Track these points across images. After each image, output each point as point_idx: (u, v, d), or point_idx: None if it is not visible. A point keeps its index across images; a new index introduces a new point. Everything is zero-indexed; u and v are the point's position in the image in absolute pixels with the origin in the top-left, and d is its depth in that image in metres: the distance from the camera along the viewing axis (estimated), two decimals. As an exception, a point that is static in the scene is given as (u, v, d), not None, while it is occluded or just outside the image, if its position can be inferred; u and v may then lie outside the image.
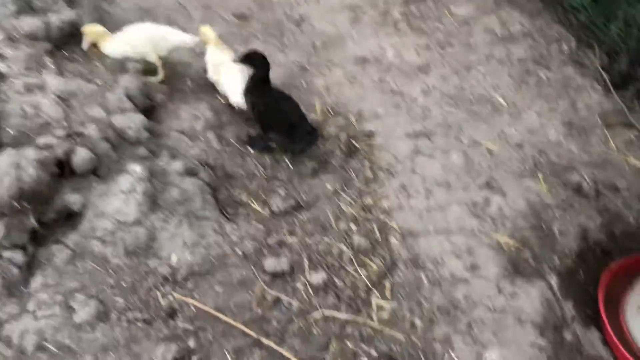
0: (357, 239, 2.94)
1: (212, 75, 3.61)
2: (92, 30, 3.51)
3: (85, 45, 3.52)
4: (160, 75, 3.67)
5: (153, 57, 3.59)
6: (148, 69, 3.67)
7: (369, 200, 3.17)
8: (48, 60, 3.48)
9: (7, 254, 2.53)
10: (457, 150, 3.46)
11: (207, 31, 3.62)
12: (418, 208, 3.12)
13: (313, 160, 3.38)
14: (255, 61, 3.30)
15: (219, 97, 3.66)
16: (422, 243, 2.95)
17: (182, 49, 3.76)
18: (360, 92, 3.86)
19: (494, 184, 3.26)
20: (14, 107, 2.90)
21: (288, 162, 3.40)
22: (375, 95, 3.83)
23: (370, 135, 3.54)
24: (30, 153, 2.62)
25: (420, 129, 3.58)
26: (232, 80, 3.48)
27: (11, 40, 3.47)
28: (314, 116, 3.68)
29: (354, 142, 3.50)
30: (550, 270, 2.89)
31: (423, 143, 3.50)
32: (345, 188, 3.24)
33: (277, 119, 3.33)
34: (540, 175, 3.33)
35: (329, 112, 3.74)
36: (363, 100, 3.79)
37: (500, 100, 3.81)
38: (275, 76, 3.91)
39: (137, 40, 3.53)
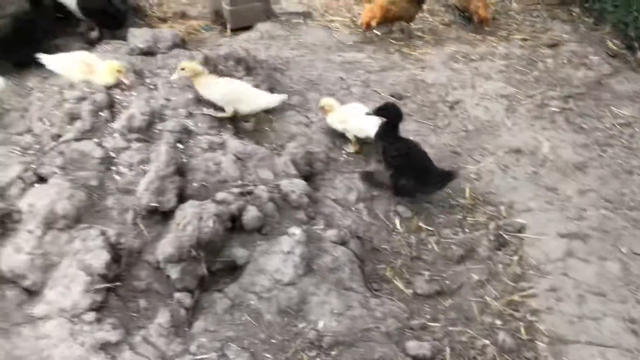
0: (502, 336, 2.88)
1: (338, 125, 3.94)
2: (190, 67, 3.76)
3: (175, 76, 3.76)
4: (251, 123, 3.96)
5: (230, 110, 3.79)
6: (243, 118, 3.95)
7: (516, 297, 3.11)
8: (228, 122, 3.88)
9: (178, 295, 2.79)
10: (614, 258, 3.30)
11: (330, 102, 4.00)
12: (569, 314, 3.00)
13: (460, 246, 3.40)
14: (389, 111, 3.61)
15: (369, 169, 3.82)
16: (572, 352, 2.82)
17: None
18: (513, 183, 3.84)
19: (655, 301, 3.07)
20: (199, 162, 3.25)
21: (434, 243, 3.45)
22: (528, 188, 3.79)
23: (520, 229, 3.50)
24: (210, 207, 2.91)
25: (574, 230, 3.48)
26: (362, 120, 3.79)
27: (200, 102, 3.91)
28: (462, 201, 3.72)
29: (503, 234, 3.48)
30: None
31: (577, 245, 3.38)
32: (492, 280, 3.21)
33: (410, 163, 3.55)
34: None
35: (479, 199, 3.76)
36: (515, 192, 3.77)
37: (665, 211, 3.61)
38: (430, 156, 4.03)
39: (227, 90, 3.80)
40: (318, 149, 3.87)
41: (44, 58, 3.92)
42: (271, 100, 3.93)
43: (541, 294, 3.11)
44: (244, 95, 3.84)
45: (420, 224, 3.56)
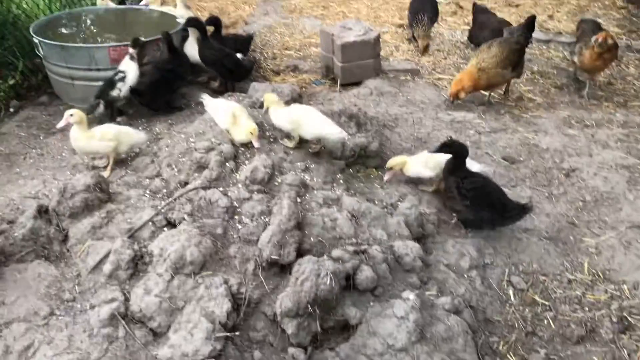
0: None
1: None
2: (268, 97, 3.98)
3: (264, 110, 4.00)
4: (292, 143, 4.00)
5: (295, 135, 3.94)
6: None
7: (645, 389, 2.88)
8: (340, 177, 3.97)
9: (292, 350, 2.83)
10: None
11: (399, 159, 4.02)
12: None
13: (579, 325, 3.22)
14: (454, 147, 3.70)
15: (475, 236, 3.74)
16: None
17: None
18: (637, 262, 3.61)
19: None
20: (316, 217, 3.33)
21: (550, 320, 3.29)
22: (655, 269, 3.56)
23: (647, 313, 3.27)
24: (328, 264, 2.95)
25: None
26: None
27: (315, 155, 4.03)
28: (580, 275, 3.55)
29: (627, 316, 3.26)
30: None
31: None
32: (616, 367, 3.00)
33: (487, 196, 3.63)
34: None
35: (598, 275, 3.57)
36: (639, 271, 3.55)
37: None
38: (542, 225, 3.91)
39: (292, 115, 3.89)
40: (429, 211, 3.86)
41: (206, 99, 4.14)
42: (331, 131, 3.84)
43: (674, 388, 2.87)
44: (304, 120, 3.88)
45: (536, 297, 3.42)
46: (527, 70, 6.17)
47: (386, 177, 4.05)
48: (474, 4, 6.90)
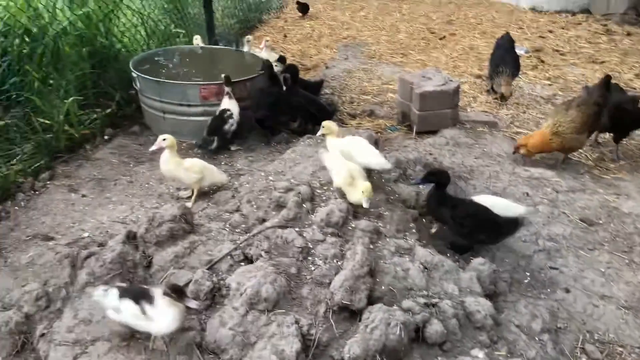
0: None
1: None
2: (328, 125, 4.20)
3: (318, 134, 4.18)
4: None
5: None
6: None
7: None
8: (413, 226, 3.99)
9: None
10: None
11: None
12: None
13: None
14: (438, 176, 3.87)
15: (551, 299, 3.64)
16: None
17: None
18: None
19: None
20: (388, 266, 3.36)
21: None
22: None
23: None
24: (398, 314, 2.97)
25: None
26: None
27: (389, 202, 4.10)
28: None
29: None
30: None
31: None
32: None
33: (480, 220, 3.77)
34: None
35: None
36: None
37: None
38: (620, 293, 3.76)
39: (343, 146, 4.12)
40: (502, 268, 3.80)
41: (323, 153, 4.14)
42: (377, 161, 4.09)
43: None
44: (354, 151, 4.10)
45: (611, 369, 3.28)
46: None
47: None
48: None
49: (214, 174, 4.40)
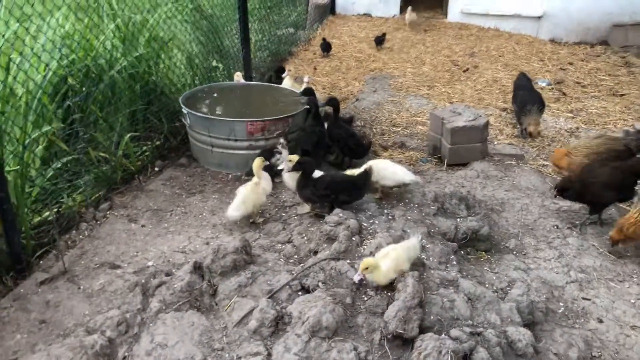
0: None
1: None
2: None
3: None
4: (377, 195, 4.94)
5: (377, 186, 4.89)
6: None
7: None
8: (453, 258, 4.28)
9: (412, 419, 3.10)
10: None
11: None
12: None
13: None
14: (304, 166, 4.62)
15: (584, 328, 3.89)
16: None
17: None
18: None
19: None
20: (435, 297, 3.65)
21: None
22: None
23: None
24: (448, 342, 3.24)
25: None
26: None
27: (430, 236, 4.39)
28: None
29: None
30: None
31: None
32: None
33: (338, 185, 4.65)
34: None
35: None
36: None
37: None
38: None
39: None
40: (538, 298, 4.06)
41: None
42: (410, 177, 4.86)
43: None
44: (385, 172, 4.82)
45: (645, 397, 3.51)
46: (634, 163, 6.28)
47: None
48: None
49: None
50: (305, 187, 4.60)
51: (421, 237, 4.12)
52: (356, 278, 3.65)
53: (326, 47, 10.58)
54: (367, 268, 3.61)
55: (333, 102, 5.93)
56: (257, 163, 4.83)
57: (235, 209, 4.68)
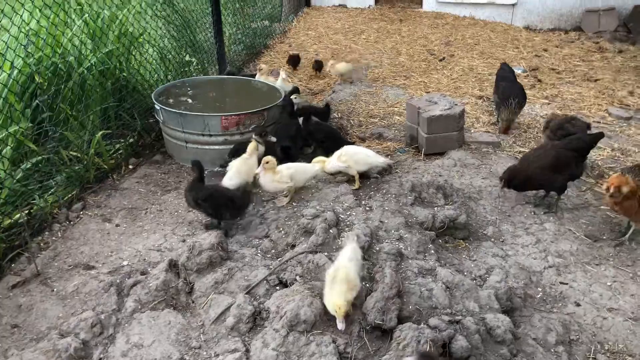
0: None
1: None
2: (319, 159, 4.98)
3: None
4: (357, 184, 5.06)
5: (353, 172, 5.03)
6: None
7: None
8: (431, 247, 4.27)
9: (393, 410, 3.09)
10: None
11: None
12: None
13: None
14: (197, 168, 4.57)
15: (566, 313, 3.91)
16: None
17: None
18: None
19: None
20: (413, 287, 3.64)
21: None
22: None
23: None
24: (427, 331, 3.24)
25: None
26: None
27: (408, 226, 4.38)
28: None
29: None
30: None
31: None
32: None
33: (216, 199, 4.53)
34: None
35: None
36: None
37: None
38: (626, 305, 4.03)
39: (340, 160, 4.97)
40: (516, 285, 4.08)
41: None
42: (380, 160, 5.25)
43: None
44: (356, 157, 5.05)
45: (622, 377, 3.55)
46: (608, 147, 6.34)
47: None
48: None
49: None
50: (190, 191, 4.50)
51: (356, 238, 3.91)
52: (341, 327, 3.34)
53: (294, 61, 9.42)
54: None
55: (305, 110, 5.96)
56: (252, 145, 5.05)
57: (230, 178, 4.83)
